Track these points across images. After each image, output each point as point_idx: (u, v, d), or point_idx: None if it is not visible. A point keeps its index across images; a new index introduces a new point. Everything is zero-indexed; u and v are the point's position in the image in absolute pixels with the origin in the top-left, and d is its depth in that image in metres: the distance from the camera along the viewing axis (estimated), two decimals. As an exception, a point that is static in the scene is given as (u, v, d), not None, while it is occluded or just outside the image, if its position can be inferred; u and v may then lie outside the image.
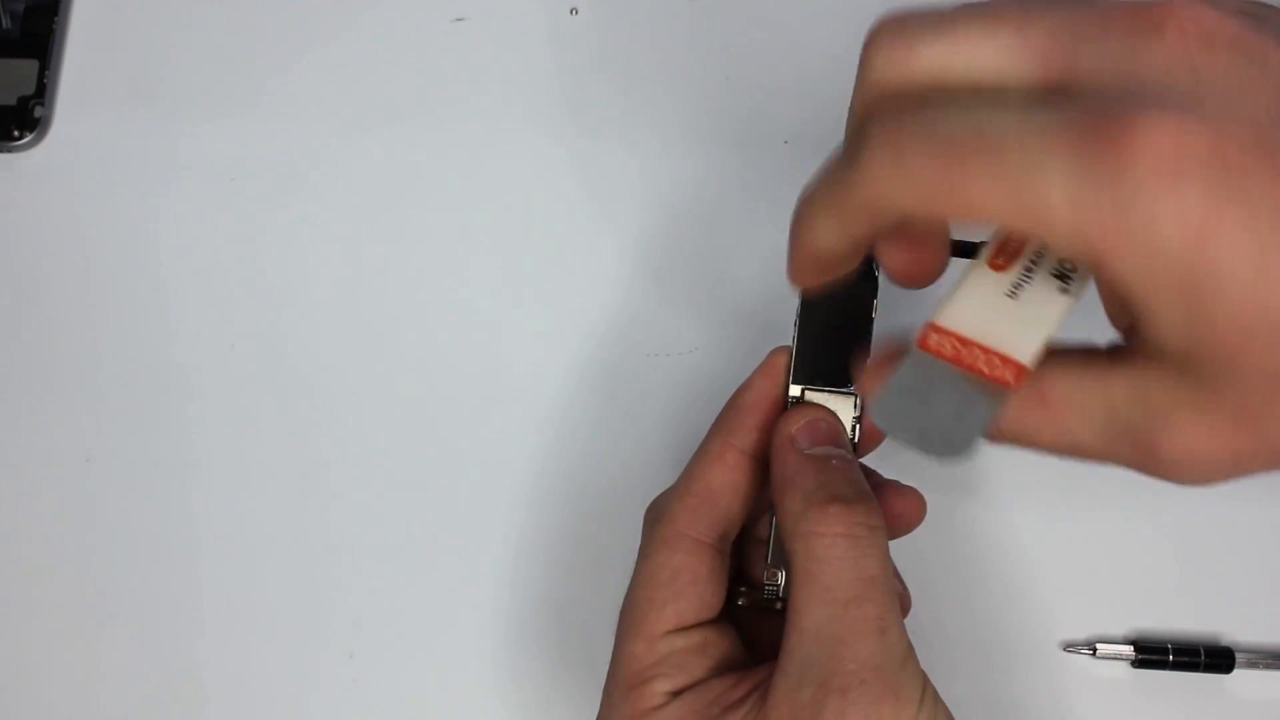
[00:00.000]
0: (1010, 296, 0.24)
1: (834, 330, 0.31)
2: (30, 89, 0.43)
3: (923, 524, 0.38)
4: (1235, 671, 0.37)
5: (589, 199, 0.42)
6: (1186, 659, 0.36)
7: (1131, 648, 0.37)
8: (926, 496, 0.39)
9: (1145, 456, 0.23)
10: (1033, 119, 0.21)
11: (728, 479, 0.30)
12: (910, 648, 0.28)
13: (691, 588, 0.30)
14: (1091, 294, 0.25)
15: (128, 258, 0.42)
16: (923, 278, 0.27)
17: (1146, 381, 0.23)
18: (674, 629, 0.30)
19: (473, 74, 0.43)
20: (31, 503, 0.39)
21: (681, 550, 0.30)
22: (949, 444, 0.24)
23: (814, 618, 0.27)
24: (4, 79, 0.43)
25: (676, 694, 0.29)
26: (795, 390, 0.31)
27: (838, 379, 0.31)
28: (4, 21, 0.44)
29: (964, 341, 0.24)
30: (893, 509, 0.31)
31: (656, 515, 0.31)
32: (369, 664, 0.38)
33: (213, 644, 0.38)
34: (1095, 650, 0.37)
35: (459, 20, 0.44)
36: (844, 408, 0.31)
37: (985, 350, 0.24)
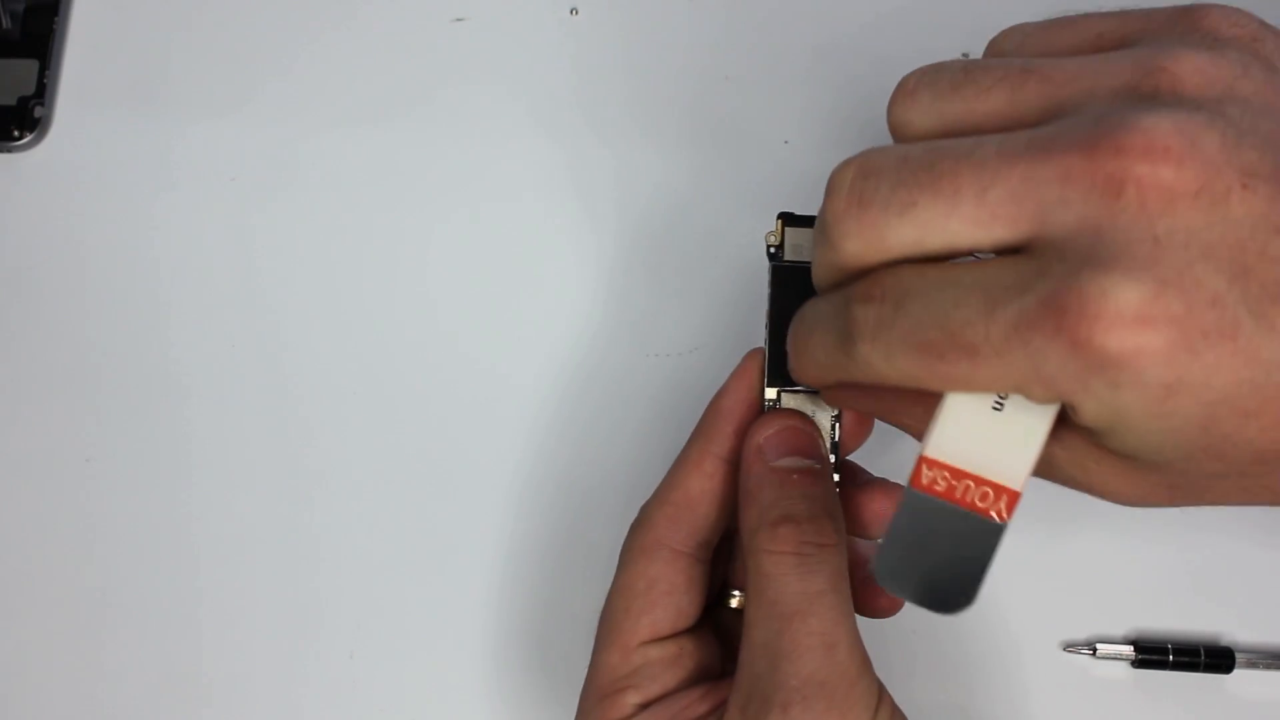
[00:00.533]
0: (994, 415, 0.24)
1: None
2: (30, 89, 0.43)
3: (923, 524, 0.38)
4: (1235, 671, 0.37)
5: (589, 198, 0.42)
6: (1186, 659, 0.36)
7: (1131, 648, 0.37)
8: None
9: (1084, 491, 0.25)
10: (991, 306, 0.22)
11: (706, 487, 0.30)
12: (864, 663, 0.27)
13: (668, 597, 0.30)
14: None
15: (127, 258, 0.42)
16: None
17: (1088, 453, 0.24)
18: (649, 640, 0.30)
19: (473, 74, 0.43)
20: (31, 503, 0.39)
21: (659, 560, 0.30)
22: (955, 593, 0.24)
23: (761, 632, 0.27)
24: (4, 79, 0.43)
25: (646, 705, 0.29)
26: (771, 393, 0.30)
27: None
28: (4, 21, 0.44)
29: (956, 474, 0.24)
30: (877, 508, 0.31)
31: (635, 523, 0.31)
32: (370, 664, 0.38)
33: (213, 644, 0.38)
34: (1095, 650, 0.37)
35: (459, 20, 0.44)
36: (821, 408, 0.30)
37: (978, 480, 0.24)
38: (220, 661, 0.38)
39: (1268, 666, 0.37)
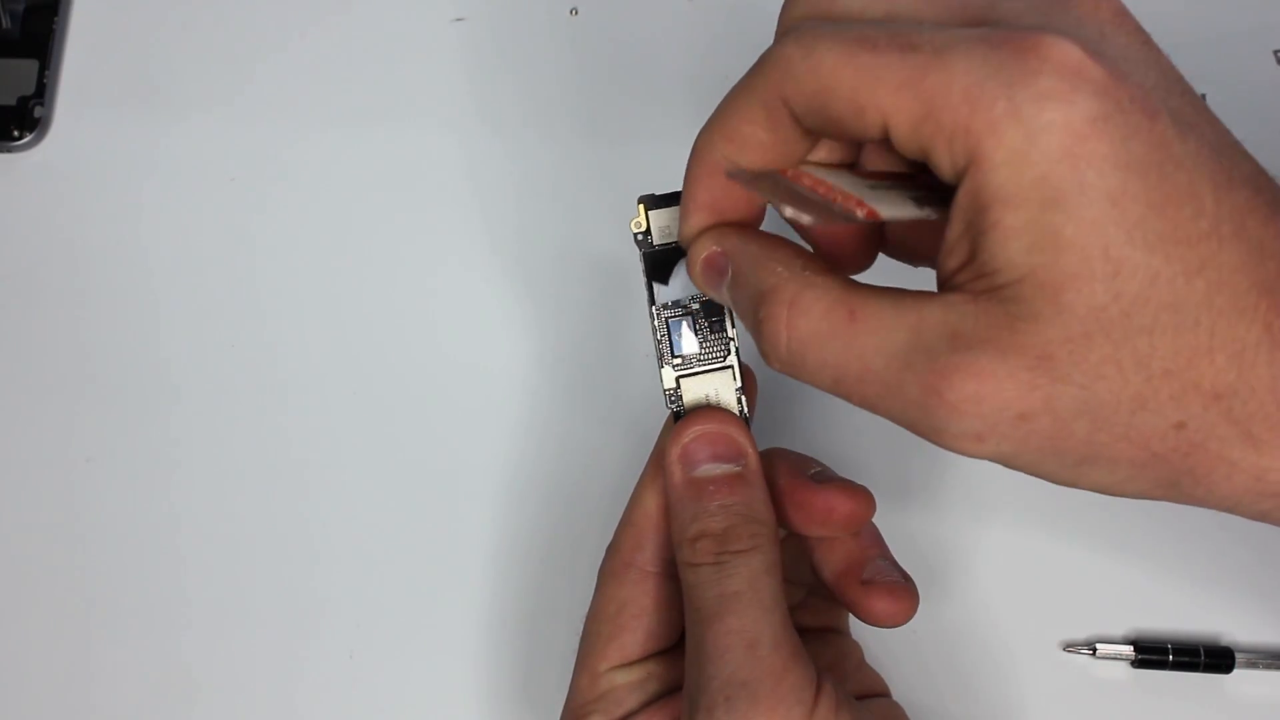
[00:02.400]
0: (871, 189, 0.24)
1: (692, 301, 0.30)
2: (30, 89, 0.43)
3: (922, 525, 0.38)
4: (1235, 671, 0.37)
5: (588, 198, 0.42)
6: (1186, 659, 0.36)
7: (1131, 648, 0.37)
8: (925, 496, 0.39)
9: (927, 394, 0.22)
10: (946, 29, 0.22)
11: (665, 504, 0.30)
12: (794, 658, 0.27)
13: (636, 621, 0.30)
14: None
15: (127, 258, 0.42)
16: (856, 262, 0.28)
17: (962, 312, 0.22)
18: (616, 665, 0.30)
19: (473, 74, 0.43)
20: (31, 503, 0.39)
21: (628, 582, 0.30)
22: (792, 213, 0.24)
23: (689, 640, 0.28)
24: (4, 79, 0.43)
25: None
26: (670, 380, 0.30)
27: (712, 352, 0.30)
28: (4, 21, 0.44)
29: (825, 184, 0.24)
30: (832, 506, 0.29)
31: (609, 545, 0.31)
32: (369, 664, 0.38)
33: (212, 643, 0.38)
34: (1095, 650, 0.37)
35: (459, 20, 0.44)
36: (724, 383, 0.30)
37: (845, 192, 0.24)
38: (220, 661, 0.38)
39: (1268, 666, 0.37)
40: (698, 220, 0.27)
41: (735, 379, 0.30)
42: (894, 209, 0.24)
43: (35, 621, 0.38)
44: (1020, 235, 0.21)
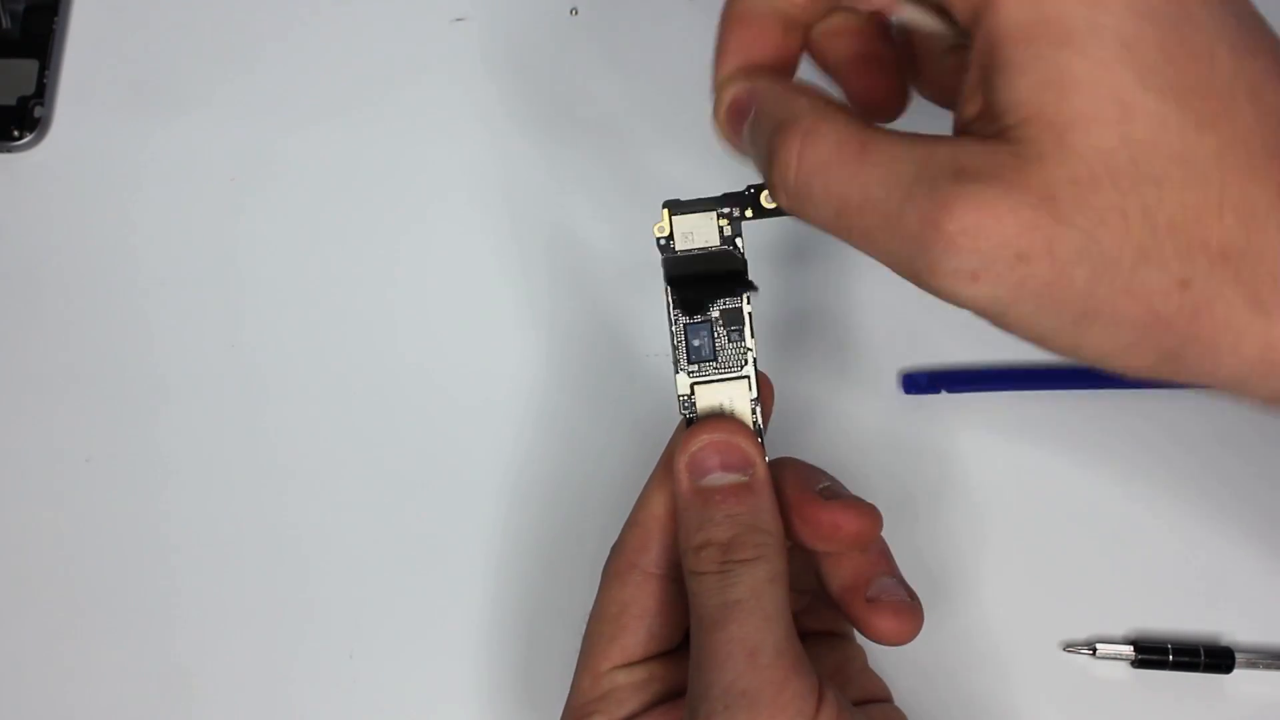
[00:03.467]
0: None
1: (709, 296, 0.30)
2: (30, 89, 0.43)
3: (923, 526, 0.38)
4: (1235, 671, 0.37)
5: (588, 198, 0.42)
6: (1186, 659, 0.36)
7: (1131, 648, 0.37)
8: (923, 496, 0.39)
9: (925, 225, 0.22)
10: None
11: (672, 507, 0.30)
12: (796, 667, 0.27)
13: (639, 622, 0.30)
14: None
15: (127, 258, 0.42)
16: (888, 106, 0.28)
17: (970, 149, 0.22)
18: (619, 665, 0.30)
19: (473, 74, 0.43)
20: (31, 502, 0.39)
21: (631, 583, 0.30)
22: None
23: (693, 647, 0.28)
24: (4, 79, 0.43)
25: None
26: (684, 387, 0.30)
27: (729, 360, 0.30)
28: (4, 21, 0.44)
29: None
30: (839, 523, 0.29)
31: (613, 546, 0.31)
32: (369, 664, 0.38)
33: (212, 644, 0.38)
34: (1095, 650, 0.37)
35: (459, 20, 0.44)
36: (739, 392, 0.30)
37: None
38: (220, 661, 0.38)
39: (1268, 666, 0.37)
40: (730, 64, 0.27)
41: (751, 389, 0.30)
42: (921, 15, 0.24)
43: (35, 621, 0.38)
44: (1029, 72, 0.21)
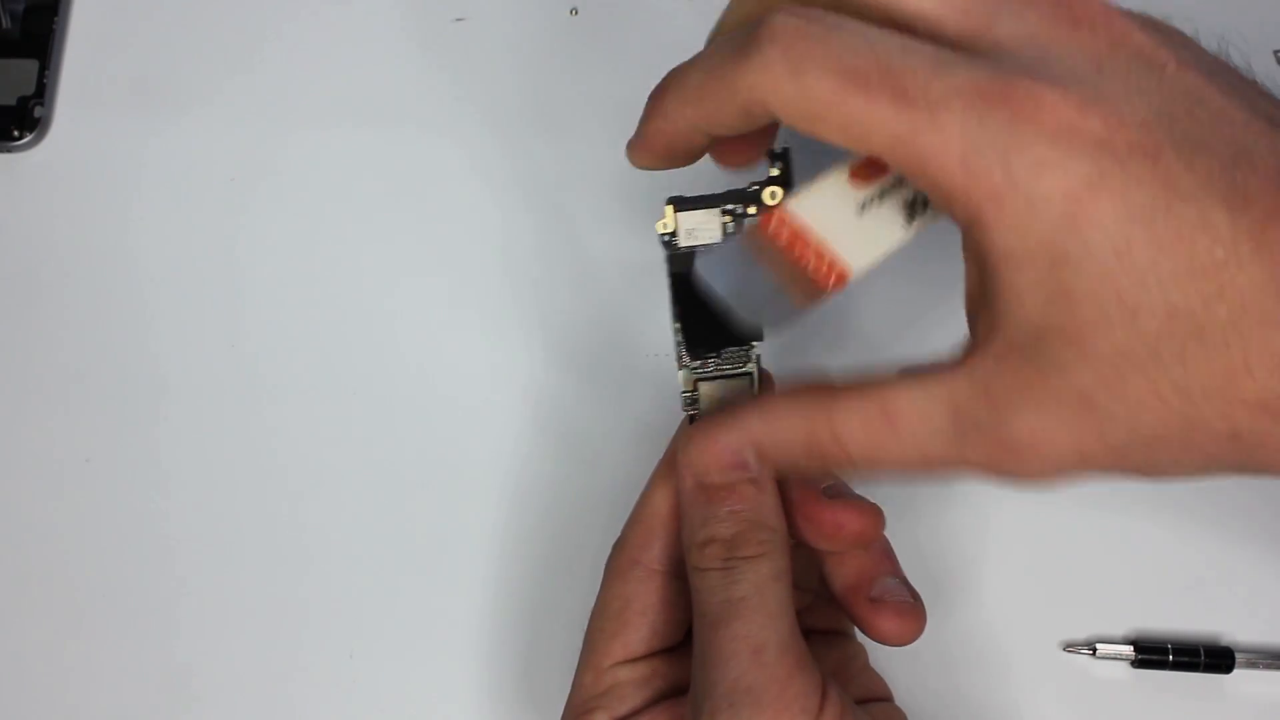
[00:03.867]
0: (857, 213, 0.25)
1: (718, 344, 0.30)
2: (30, 89, 0.43)
3: (922, 524, 0.38)
4: (1235, 671, 0.37)
5: (589, 198, 0.42)
6: (1186, 659, 0.36)
7: (1131, 648, 0.37)
8: (924, 495, 0.39)
9: (994, 452, 0.23)
10: (941, 64, 0.22)
11: (676, 504, 0.30)
12: (800, 664, 0.27)
13: (640, 618, 0.30)
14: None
15: (127, 258, 0.42)
16: (740, 164, 0.29)
17: (989, 375, 0.23)
18: (621, 660, 0.30)
19: (473, 74, 0.43)
20: (31, 503, 0.39)
21: (633, 579, 0.30)
22: (753, 318, 0.25)
23: (696, 644, 0.28)
24: (4, 79, 0.43)
25: None
26: (687, 383, 0.30)
27: (732, 358, 0.30)
28: (4, 21, 0.44)
29: (800, 234, 0.25)
30: (841, 522, 0.29)
31: (615, 542, 0.31)
32: (369, 664, 0.38)
33: (212, 644, 0.38)
34: (1095, 650, 0.37)
35: (459, 20, 0.44)
36: (742, 389, 0.30)
37: (817, 247, 0.25)
38: (220, 661, 0.38)
39: (1268, 666, 0.37)
40: (644, 159, 0.28)
41: (753, 386, 0.30)
42: (876, 245, 0.25)
43: (35, 621, 0.38)
44: (1033, 293, 0.22)
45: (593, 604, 0.31)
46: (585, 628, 0.31)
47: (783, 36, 0.23)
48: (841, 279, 0.24)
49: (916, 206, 0.25)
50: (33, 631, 0.38)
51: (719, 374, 0.30)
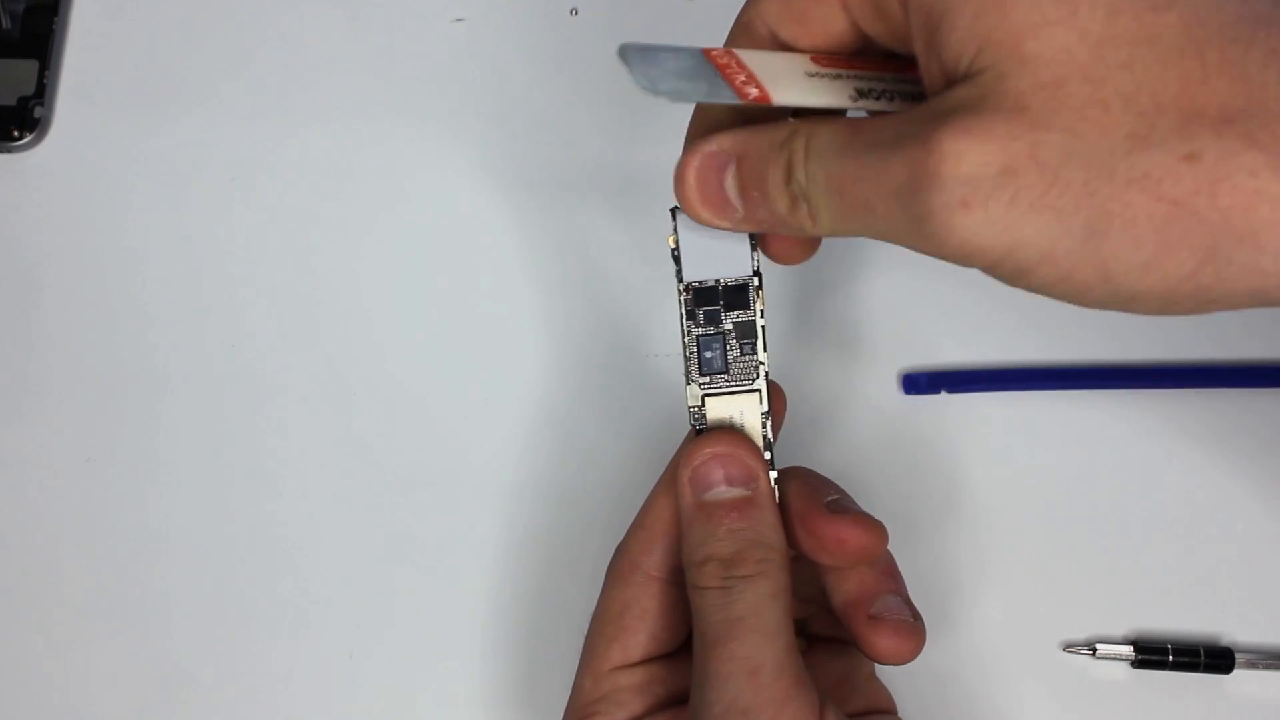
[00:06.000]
0: (808, 76, 0.25)
1: (720, 312, 0.29)
2: (30, 89, 0.43)
3: (922, 526, 0.38)
4: (1235, 672, 0.37)
5: (589, 198, 0.42)
6: (1186, 659, 0.36)
7: (1131, 648, 0.37)
8: (924, 496, 0.39)
9: (910, 169, 0.21)
10: None
11: (678, 514, 0.30)
12: (797, 685, 0.27)
13: (640, 623, 0.30)
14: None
15: (127, 258, 0.42)
16: (794, 259, 0.28)
17: (940, 96, 0.22)
18: (620, 665, 0.30)
19: (473, 74, 0.43)
20: (31, 502, 0.39)
21: (633, 585, 0.30)
22: (655, 82, 0.24)
23: (695, 662, 0.28)
24: (4, 79, 0.43)
25: None
26: (695, 398, 0.29)
27: (741, 373, 0.30)
28: (4, 21, 0.44)
29: (742, 65, 0.24)
30: (844, 538, 0.29)
31: (617, 547, 0.31)
32: (369, 664, 0.38)
33: (212, 644, 0.38)
34: (1095, 650, 0.37)
35: (459, 20, 0.44)
36: (750, 405, 0.30)
37: (750, 72, 0.24)
38: (220, 661, 0.38)
39: (1267, 667, 0.37)
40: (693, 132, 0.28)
41: (762, 401, 0.30)
42: (809, 96, 0.24)
43: (35, 621, 0.38)
44: (964, 9, 0.21)
45: (593, 607, 0.31)
46: (585, 631, 0.31)
47: None
48: (764, 98, 0.24)
49: (868, 93, 0.25)
50: (33, 631, 0.38)
51: (728, 390, 0.30)
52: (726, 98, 0.23)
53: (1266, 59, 0.19)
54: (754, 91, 0.24)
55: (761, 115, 0.26)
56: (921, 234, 0.22)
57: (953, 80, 0.22)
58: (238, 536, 0.39)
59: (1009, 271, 0.21)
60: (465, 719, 0.38)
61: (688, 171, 0.26)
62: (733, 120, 0.27)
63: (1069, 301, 0.22)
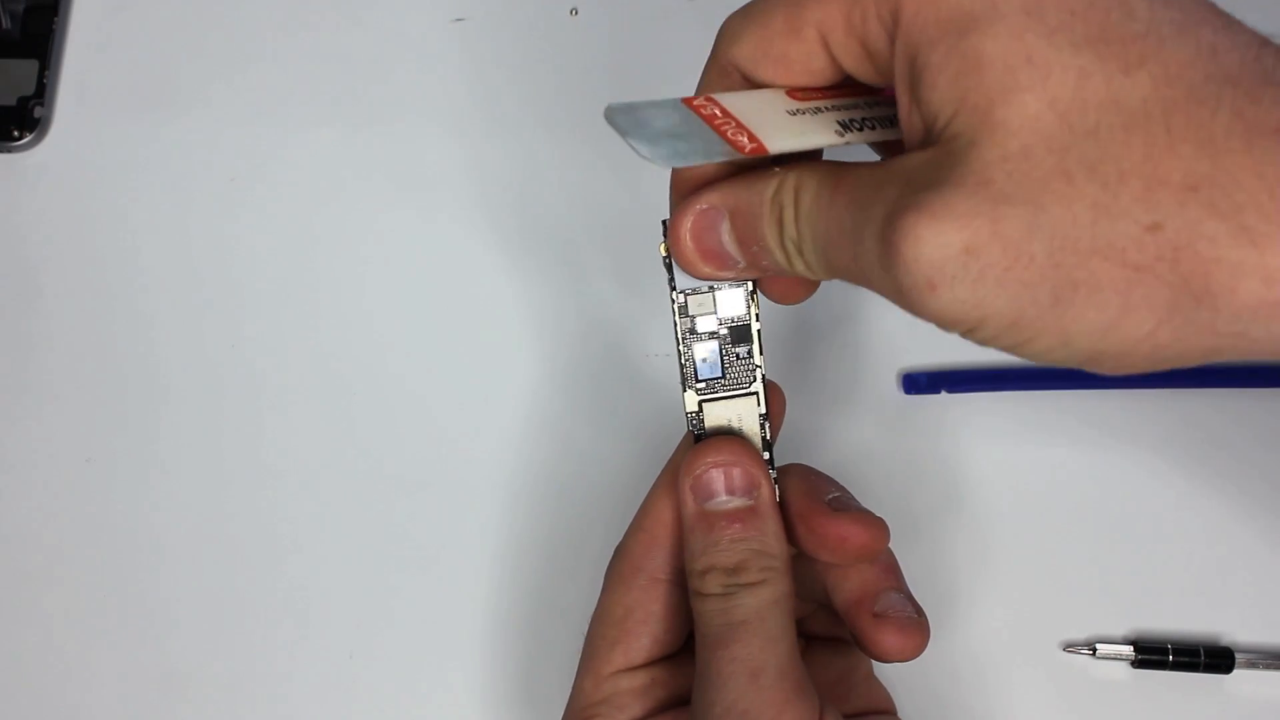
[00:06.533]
0: (786, 116, 0.24)
1: (715, 317, 0.29)
2: (30, 89, 0.43)
3: (922, 526, 0.38)
4: (1235, 671, 0.37)
5: (589, 197, 0.42)
6: (1186, 659, 0.36)
7: (1131, 648, 0.37)
8: (924, 496, 0.39)
9: (882, 246, 0.21)
10: None
11: (679, 517, 0.29)
12: (798, 688, 0.27)
13: (643, 626, 0.30)
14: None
15: (127, 258, 0.42)
16: (795, 299, 0.28)
17: (912, 159, 0.22)
18: (621, 668, 0.30)
19: (473, 74, 0.43)
20: (31, 503, 0.39)
21: (636, 587, 0.30)
22: (654, 147, 0.23)
23: (698, 664, 0.28)
24: (4, 79, 0.43)
25: None
26: (692, 404, 0.29)
27: (737, 378, 0.29)
28: (4, 21, 0.44)
29: (726, 112, 0.24)
30: (845, 536, 0.29)
31: (616, 548, 0.31)
32: (369, 664, 0.38)
33: (212, 644, 0.38)
34: (1095, 650, 0.37)
35: (459, 20, 0.44)
36: (747, 409, 0.30)
37: (739, 122, 0.24)
38: (220, 661, 0.38)
39: (1267, 666, 0.37)
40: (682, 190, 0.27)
41: (759, 404, 0.30)
42: (800, 138, 0.24)
43: (35, 621, 0.38)
44: (945, 68, 0.21)
45: (593, 608, 0.31)
46: (585, 632, 0.31)
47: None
48: (758, 150, 0.23)
49: (851, 126, 0.25)
50: (33, 631, 0.38)
51: (725, 394, 0.30)
52: (726, 154, 0.23)
53: (1231, 123, 0.19)
54: (749, 144, 0.23)
55: (746, 161, 0.25)
56: (904, 303, 0.22)
57: (930, 132, 0.22)
58: (237, 536, 0.39)
59: (984, 338, 0.22)
60: (465, 719, 0.38)
61: (682, 232, 0.27)
62: (716, 169, 0.27)
63: (1032, 360, 0.22)
